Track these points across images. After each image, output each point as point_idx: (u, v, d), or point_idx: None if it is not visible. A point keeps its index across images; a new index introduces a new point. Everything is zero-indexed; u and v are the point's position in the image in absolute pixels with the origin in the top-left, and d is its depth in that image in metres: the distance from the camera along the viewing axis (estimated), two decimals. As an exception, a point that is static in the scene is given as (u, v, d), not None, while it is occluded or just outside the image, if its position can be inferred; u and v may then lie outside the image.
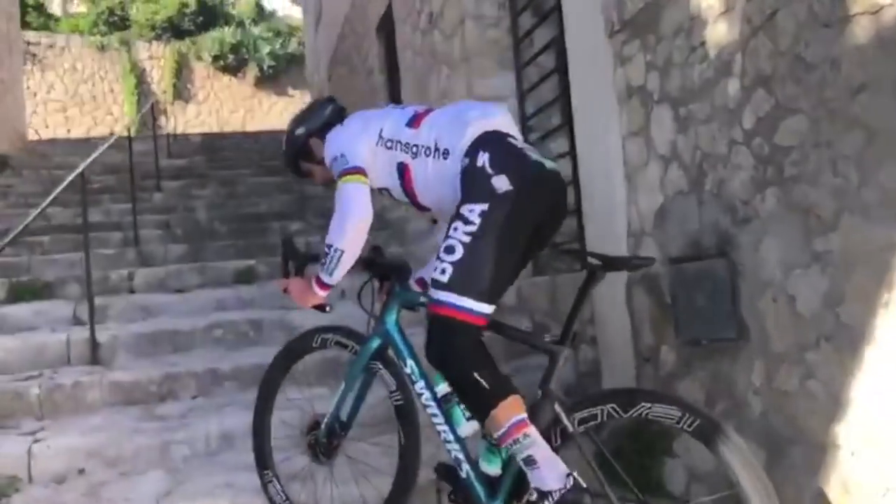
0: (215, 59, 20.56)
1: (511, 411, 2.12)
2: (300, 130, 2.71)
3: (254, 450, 2.89)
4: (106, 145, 5.59)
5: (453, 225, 2.23)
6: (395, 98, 7.95)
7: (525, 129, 4.98)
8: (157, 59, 18.94)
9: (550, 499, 2.08)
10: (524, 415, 2.13)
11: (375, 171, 2.46)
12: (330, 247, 2.40)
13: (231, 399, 3.69)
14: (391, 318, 2.57)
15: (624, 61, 3.18)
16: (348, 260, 2.41)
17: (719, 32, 2.55)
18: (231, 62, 20.70)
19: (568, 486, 2.08)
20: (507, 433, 2.11)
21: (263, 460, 2.86)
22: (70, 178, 4.48)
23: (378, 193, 2.53)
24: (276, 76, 21.28)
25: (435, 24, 5.89)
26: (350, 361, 2.65)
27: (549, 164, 2.38)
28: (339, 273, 2.43)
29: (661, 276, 2.98)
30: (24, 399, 3.66)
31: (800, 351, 2.25)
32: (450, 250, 2.20)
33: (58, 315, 4.81)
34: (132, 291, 5.41)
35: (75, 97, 18.36)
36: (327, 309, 2.64)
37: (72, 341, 4.26)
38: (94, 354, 4.20)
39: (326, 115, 2.69)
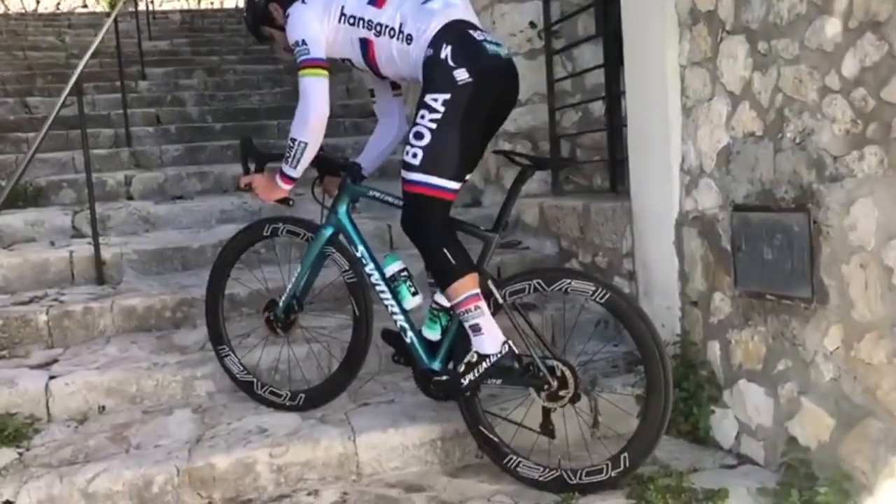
0: (190, -76, 19.23)
1: (469, 285, 2.53)
2: None
3: (208, 327, 3.19)
4: (98, 39, 5.14)
5: (420, 113, 2.51)
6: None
7: (549, 34, 4.66)
8: (128, -76, 17.69)
9: (489, 360, 2.57)
10: (478, 289, 2.54)
11: (337, 44, 2.71)
12: (294, 140, 2.68)
13: (249, 325, 3.52)
14: (342, 209, 2.90)
15: (690, -20, 2.88)
16: (311, 152, 2.70)
17: (821, -38, 2.27)
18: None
19: (503, 352, 2.57)
20: (462, 302, 2.53)
21: (218, 336, 3.15)
22: (65, 93, 4.08)
23: (340, 62, 2.81)
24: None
25: None
26: (306, 247, 2.97)
27: (503, 53, 2.68)
28: (302, 165, 2.72)
29: (720, 220, 2.81)
30: (32, 325, 3.47)
31: (892, 325, 2.12)
32: (418, 136, 2.50)
33: (55, 225, 4.56)
34: (130, 198, 5.16)
35: (42, -35, 17.22)
36: (290, 203, 2.91)
37: (75, 258, 4.04)
38: (100, 273, 3.99)
39: None
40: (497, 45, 2.68)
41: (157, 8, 14.53)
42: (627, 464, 2.54)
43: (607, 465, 2.56)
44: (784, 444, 2.55)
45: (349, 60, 2.78)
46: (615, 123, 4.08)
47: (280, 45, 2.94)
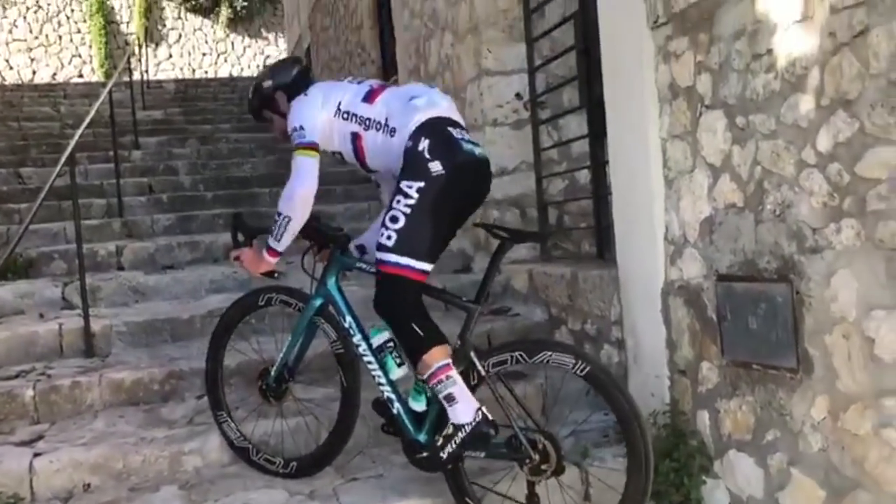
0: (186, -3, 19.70)
1: (439, 356, 2.62)
2: (268, 84, 3.10)
3: (208, 394, 3.29)
4: (93, 110, 5.23)
5: (396, 198, 2.68)
6: (385, 57, 7.64)
7: (534, 105, 4.77)
8: (125, -3, 18.10)
9: (464, 430, 2.62)
10: (449, 360, 2.63)
11: (331, 137, 2.90)
12: (280, 214, 2.83)
13: (239, 398, 3.51)
14: (332, 280, 3.01)
15: (668, 57, 2.97)
16: (294, 227, 2.84)
17: (792, 42, 2.35)
18: (203, 2, 19.85)
19: (478, 419, 2.61)
20: (433, 374, 2.61)
21: (217, 404, 3.23)
22: (60, 164, 4.14)
23: (332, 155, 2.98)
24: (250, 17, 20.47)
25: (438, -14, 5.59)
26: (297, 317, 3.06)
27: (478, 151, 2.86)
28: (286, 239, 2.86)
29: (705, 290, 2.84)
30: (18, 400, 3.44)
31: (876, 396, 2.13)
32: (394, 220, 2.67)
33: (45, 297, 4.55)
34: (121, 268, 5.16)
35: (40, 37, 17.52)
36: (276, 276, 3.05)
37: (64, 331, 4.02)
38: (89, 345, 3.98)
39: (294, 74, 3.09)
40: (474, 144, 2.87)
41: (151, 78, 14.86)
42: None
43: None
44: (772, 512, 2.53)
45: (339, 154, 2.96)
46: (601, 191, 4.15)
47: (277, 130, 3.14)
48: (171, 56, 18.41)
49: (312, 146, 2.83)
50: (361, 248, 3.12)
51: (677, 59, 2.91)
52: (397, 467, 3.07)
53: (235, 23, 20.17)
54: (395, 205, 2.68)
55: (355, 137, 2.87)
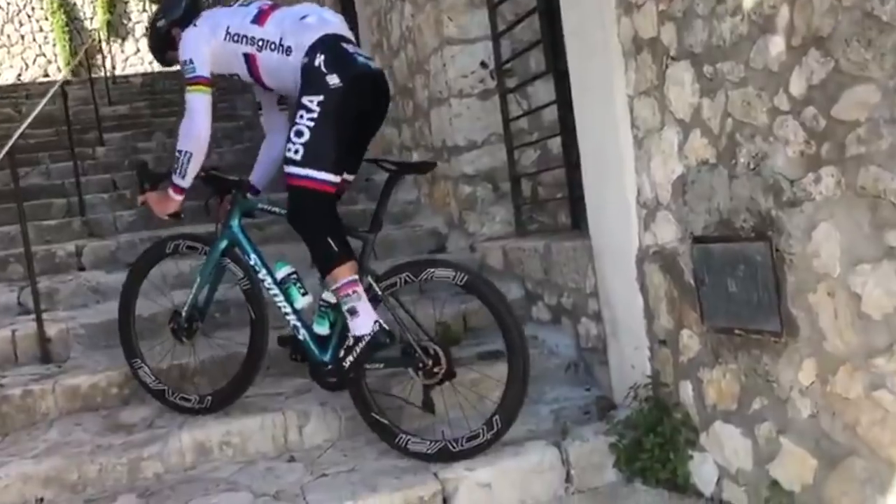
0: (150, -10, 19.24)
1: (348, 272, 2.81)
2: (161, 23, 3.20)
3: (122, 344, 3.40)
4: (38, 109, 5.02)
5: (298, 113, 2.81)
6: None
7: (501, 73, 4.57)
8: (87, -8, 17.64)
9: (363, 340, 2.82)
10: (356, 276, 2.82)
11: (226, 61, 3.02)
12: (181, 151, 2.97)
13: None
14: (235, 222, 3.17)
15: (630, 9, 2.79)
16: (196, 161, 2.98)
17: (758, -20, 2.17)
18: (167, -7, 19.39)
19: (376, 330, 2.81)
20: (341, 287, 2.80)
21: (132, 351, 3.36)
22: (3, 152, 3.95)
23: (229, 78, 3.14)
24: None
25: (395, -45, 5.37)
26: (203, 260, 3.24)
27: (372, 65, 3.08)
28: (190, 174, 3.00)
29: (681, 254, 2.67)
30: (-32, 413, 3.26)
31: (866, 356, 1.97)
32: (299, 133, 2.80)
33: (0, 303, 4.35)
34: (81, 268, 4.93)
35: (2, 38, 17.10)
36: (181, 216, 3.25)
37: (18, 337, 3.83)
38: (45, 351, 3.79)
39: (184, 5, 3.15)
40: (368, 58, 3.09)
41: (119, 73, 14.55)
42: (500, 425, 2.76)
43: (483, 429, 2.77)
44: (766, 488, 2.39)
45: (236, 75, 3.08)
46: (573, 159, 3.97)
47: None
48: (138, 51, 17.95)
49: (203, 81, 2.96)
50: (253, 189, 3.29)
51: (639, 9, 2.73)
52: (370, 460, 2.92)
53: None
54: (298, 119, 2.82)
55: (248, 58, 2.98)
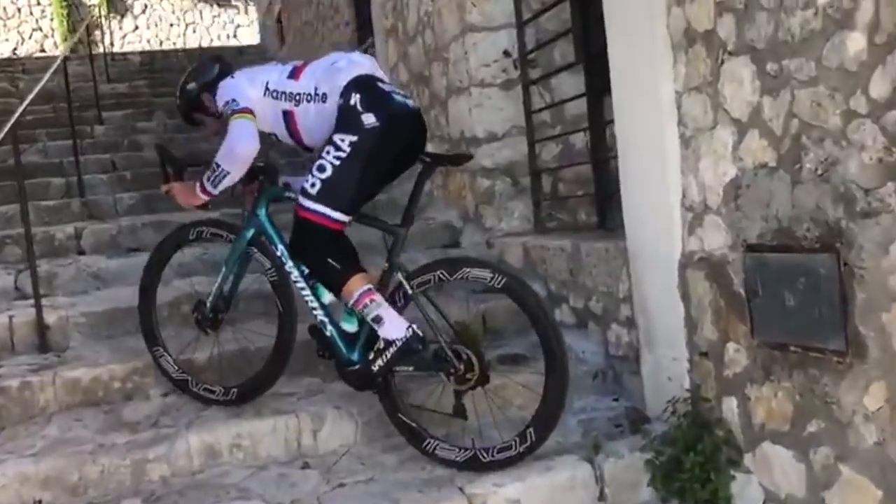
0: (151, -34, 18.88)
1: (358, 284, 2.74)
2: (192, 86, 3.16)
3: (142, 332, 3.30)
4: (41, 84, 4.82)
5: (326, 149, 2.76)
6: (360, 19, 7.20)
7: (524, 63, 4.39)
8: (86, -34, 17.28)
9: (395, 346, 2.71)
10: (369, 286, 2.75)
11: (264, 118, 2.91)
12: (218, 165, 2.87)
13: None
14: (262, 211, 3.07)
15: (682, 0, 2.61)
16: (230, 180, 2.90)
17: (838, -29, 2.00)
18: (168, -29, 19.07)
19: (408, 336, 2.70)
20: (357, 300, 2.73)
21: (153, 339, 3.27)
22: (5, 130, 3.76)
23: (267, 138, 2.98)
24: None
25: (415, -63, 5.17)
26: (230, 249, 3.14)
27: (410, 104, 2.99)
28: (221, 187, 2.92)
29: (731, 262, 2.51)
30: (-39, 406, 3.08)
31: (950, 385, 1.82)
32: (321, 169, 2.75)
33: (-4, 286, 4.17)
34: (81, 252, 4.74)
35: (-2, 11, 16.79)
36: (208, 207, 3.13)
37: (15, 324, 3.65)
38: (43, 340, 3.61)
39: (215, 71, 3.11)
40: (405, 96, 3.00)
41: (117, 50, 14.27)
42: (534, 438, 2.64)
43: (515, 441, 2.65)
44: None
45: (274, 135, 3.00)
46: (601, 156, 3.81)
47: (210, 131, 3.27)
48: (136, 28, 17.67)
49: (247, 110, 2.85)
50: (288, 186, 3.14)
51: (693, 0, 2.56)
52: (389, 470, 2.76)
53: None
54: (324, 154, 2.76)
55: (287, 115, 2.92)
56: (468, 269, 2.75)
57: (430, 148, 5.32)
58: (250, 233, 3.07)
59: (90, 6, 16.43)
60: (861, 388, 2.07)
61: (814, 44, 2.10)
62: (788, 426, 2.35)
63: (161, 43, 17.63)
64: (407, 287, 2.78)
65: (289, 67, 3.00)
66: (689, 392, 2.74)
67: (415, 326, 2.72)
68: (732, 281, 2.51)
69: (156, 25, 18.26)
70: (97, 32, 14.70)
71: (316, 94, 2.86)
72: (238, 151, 2.83)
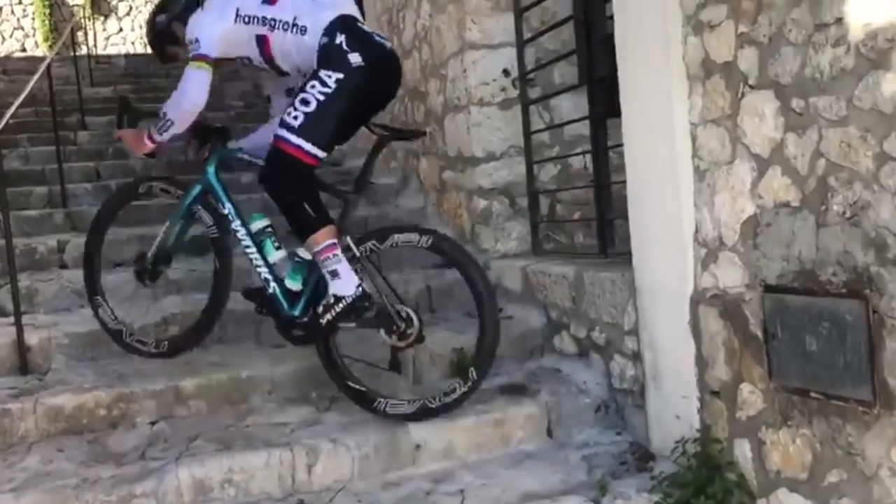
0: (136, -33, 18.65)
1: (327, 236, 2.84)
2: (161, 17, 3.20)
3: (84, 279, 3.49)
4: (27, 90, 4.67)
5: (311, 83, 2.80)
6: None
7: (524, 82, 4.31)
8: (70, -34, 17.03)
9: (345, 301, 2.85)
10: (335, 239, 2.85)
11: (236, 44, 2.97)
12: (165, 114, 2.99)
13: (200, 425, 3.05)
14: (211, 169, 3.17)
15: (700, 28, 2.54)
16: (176, 129, 3.02)
17: (872, 8, 1.93)
18: (154, -28, 18.86)
19: (358, 293, 2.86)
20: (321, 251, 2.83)
21: (94, 288, 3.45)
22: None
23: (240, 63, 3.11)
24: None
25: (413, -49, 5.08)
26: (175, 204, 3.29)
27: (388, 46, 3.08)
28: (167, 136, 3.05)
29: (747, 301, 2.44)
30: (-63, 433, 2.93)
31: None
32: (305, 102, 2.79)
33: (-27, 303, 4.00)
34: (63, 266, 4.57)
35: (-22, 9, 16.50)
36: (155, 156, 3.39)
37: (-7, 346, 3.50)
38: (24, 362, 3.46)
39: (184, 0, 3.13)
40: (382, 37, 3.07)
41: (100, 52, 14.04)
42: (475, 377, 2.92)
43: (459, 383, 2.93)
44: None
45: (248, 58, 3.05)
46: (603, 179, 3.73)
47: (181, 62, 3.14)
48: (121, 30, 17.41)
49: (206, 58, 2.90)
50: (240, 149, 3.26)
51: (712, 29, 2.49)
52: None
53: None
54: (308, 89, 2.80)
55: (261, 39, 2.95)
56: (396, 236, 2.97)
57: (423, 164, 5.32)
58: (197, 189, 3.19)
59: (73, 6, 16.19)
60: (889, 441, 2.00)
61: (845, 82, 2.03)
62: (807, 475, 2.27)
63: (146, 46, 17.41)
64: (355, 250, 2.94)
65: None
66: (699, 432, 2.66)
67: (364, 285, 2.88)
68: (748, 321, 2.44)
69: (140, 28, 18.01)
70: (80, 33, 14.48)
71: (295, 25, 2.90)
72: (185, 105, 2.93)
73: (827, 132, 2.10)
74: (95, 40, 15.75)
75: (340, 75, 2.79)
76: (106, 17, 17.52)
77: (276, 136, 2.83)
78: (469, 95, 4.39)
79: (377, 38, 3.01)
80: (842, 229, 2.07)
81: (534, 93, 4.35)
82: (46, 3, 16.87)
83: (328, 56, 2.83)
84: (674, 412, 2.77)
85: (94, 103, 8.49)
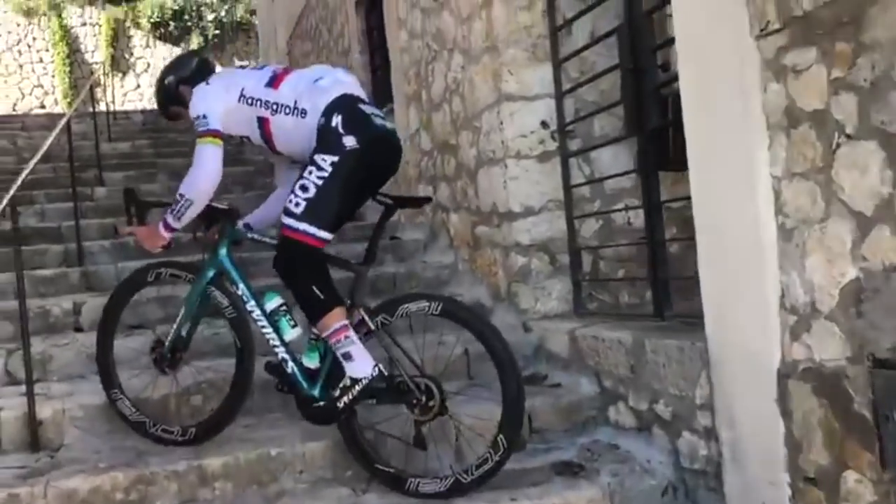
0: (155, 26, 18.90)
1: (337, 318, 2.81)
2: (170, 79, 3.25)
3: (100, 374, 3.33)
4: (45, 147, 4.49)
5: (308, 169, 2.83)
6: (379, 84, 6.93)
7: (563, 135, 4.10)
8: (91, 25, 17.20)
9: (361, 383, 2.80)
10: (346, 321, 2.82)
11: (237, 123, 3.02)
12: (182, 196, 2.95)
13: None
14: (224, 251, 3.14)
15: (782, 74, 2.31)
16: (195, 210, 2.98)
17: None
18: (172, 30, 19.09)
19: (374, 374, 2.81)
20: (332, 334, 2.80)
21: (110, 382, 3.29)
22: (6, 200, 3.41)
23: (240, 141, 3.16)
24: (222, 45, 19.75)
25: (443, 3, 4.93)
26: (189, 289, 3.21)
27: (388, 126, 3.09)
28: (185, 219, 3.00)
29: (851, 377, 2.15)
30: (-65, 523, 2.66)
31: None
32: (304, 188, 2.82)
33: (-17, 370, 3.75)
34: (79, 329, 4.34)
35: (-1, 66, 16.66)
36: (171, 247, 3.19)
37: (3, 418, 3.23)
38: (35, 437, 3.19)
39: (193, 66, 3.25)
40: (382, 118, 3.06)
41: (118, 108, 14.07)
42: (505, 444, 2.77)
43: (490, 452, 2.77)
44: None
45: (247, 137, 3.08)
46: (658, 236, 3.47)
47: (189, 122, 3.16)
48: (138, 86, 17.57)
49: (216, 133, 2.93)
50: (248, 227, 3.24)
51: (798, 75, 2.26)
52: None
53: (207, 51, 19.46)
54: (306, 175, 2.82)
55: (262, 122, 2.99)
56: (405, 306, 2.90)
57: (454, 219, 5.10)
58: (211, 273, 3.14)
59: (93, 64, 16.32)
60: None
61: (971, 130, 1.78)
62: (934, 582, 1.96)
63: (161, 101, 17.51)
64: (370, 323, 2.88)
65: (268, 73, 3.06)
66: (794, 525, 2.35)
67: (381, 365, 2.82)
68: (853, 399, 2.15)
69: (158, 83, 18.15)
70: (98, 89, 14.55)
71: (296, 108, 2.93)
72: (202, 182, 2.92)
73: (951, 187, 1.84)
74: (114, 96, 15.84)
75: (335, 158, 2.81)
76: (124, 73, 17.68)
77: (283, 225, 2.85)
78: (506, 148, 4.19)
79: (377, 119, 3.00)
80: (975, 298, 1.81)
81: (573, 145, 4.15)
82: (67, 61, 17.03)
83: (324, 138, 2.86)
84: (760, 499, 2.47)
85: (111, 158, 8.39)
